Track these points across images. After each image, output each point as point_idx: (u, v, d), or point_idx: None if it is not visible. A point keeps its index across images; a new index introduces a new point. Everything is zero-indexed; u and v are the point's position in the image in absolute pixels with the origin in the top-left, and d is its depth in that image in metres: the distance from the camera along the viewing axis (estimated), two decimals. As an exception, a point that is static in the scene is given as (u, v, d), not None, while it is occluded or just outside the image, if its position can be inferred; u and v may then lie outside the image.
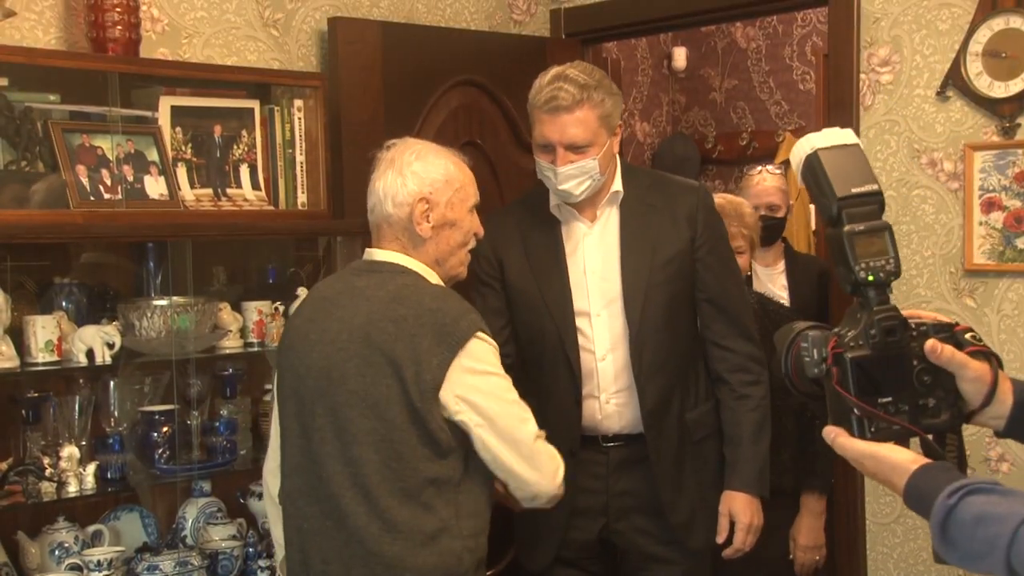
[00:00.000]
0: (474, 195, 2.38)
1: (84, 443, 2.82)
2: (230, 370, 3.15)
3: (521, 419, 2.21)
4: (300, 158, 3.19)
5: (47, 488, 2.68)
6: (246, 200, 3.09)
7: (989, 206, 3.04)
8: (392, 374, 2.15)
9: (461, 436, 2.18)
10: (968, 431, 1.52)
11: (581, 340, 2.68)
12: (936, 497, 1.33)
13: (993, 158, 3.02)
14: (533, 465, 2.21)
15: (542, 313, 2.69)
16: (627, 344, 2.66)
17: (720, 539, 2.71)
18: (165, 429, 2.92)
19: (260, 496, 3.03)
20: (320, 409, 2.21)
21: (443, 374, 2.14)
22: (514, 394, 2.23)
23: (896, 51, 3.20)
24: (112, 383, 2.91)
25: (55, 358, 2.70)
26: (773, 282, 3.74)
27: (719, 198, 3.26)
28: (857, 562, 3.34)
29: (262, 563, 3.01)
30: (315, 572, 2.23)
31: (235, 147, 3.09)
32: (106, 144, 2.82)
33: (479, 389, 2.17)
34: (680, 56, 6.30)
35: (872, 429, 1.42)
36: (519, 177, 3.69)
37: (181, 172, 2.98)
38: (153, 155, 2.90)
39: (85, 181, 2.76)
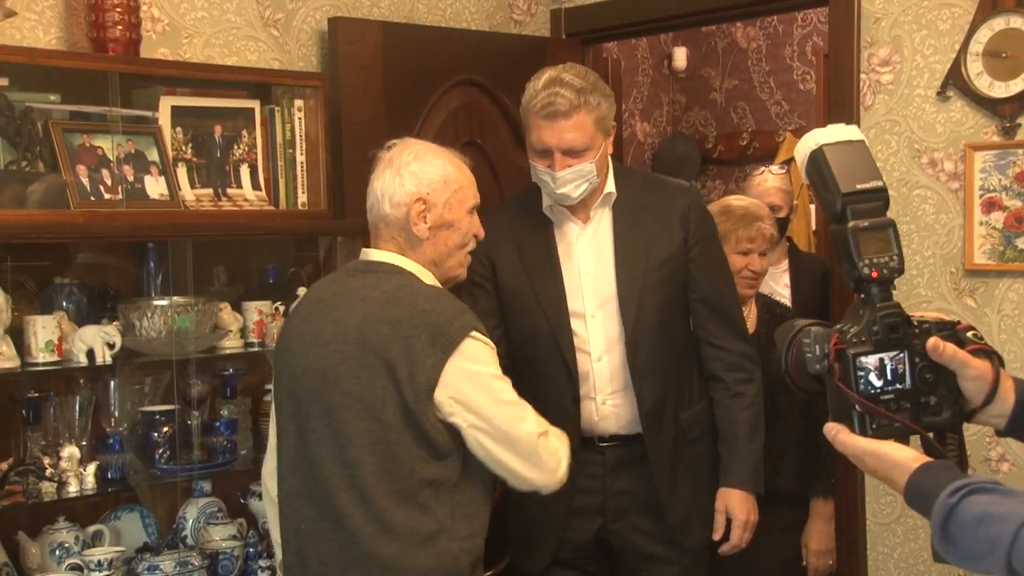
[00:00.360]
0: (473, 196, 2.37)
1: (84, 443, 2.82)
2: (230, 370, 3.15)
3: (518, 418, 2.20)
4: (300, 158, 3.19)
5: (47, 488, 2.68)
6: (246, 200, 3.09)
7: (990, 206, 3.04)
8: (387, 375, 2.14)
9: (458, 437, 2.18)
10: (969, 431, 1.52)
11: (576, 341, 2.68)
12: (937, 496, 1.33)
13: (993, 158, 3.02)
14: (532, 463, 2.20)
15: (536, 314, 2.69)
16: (623, 345, 2.67)
17: (717, 536, 2.73)
18: (165, 429, 2.92)
19: (260, 496, 3.03)
20: (316, 411, 2.21)
21: (437, 375, 2.13)
22: (511, 394, 2.22)
23: (896, 51, 3.19)
24: (112, 383, 2.91)
25: (55, 358, 2.70)
26: (776, 281, 3.74)
27: (736, 199, 3.27)
28: (857, 562, 3.34)
29: (262, 563, 3.01)
30: (312, 573, 2.23)
31: (235, 147, 3.09)
32: (106, 144, 2.82)
33: (473, 390, 2.16)
34: (680, 56, 6.30)
35: (873, 426, 1.42)
36: (519, 177, 3.68)
37: (181, 172, 2.98)
38: (153, 155, 2.90)
39: (85, 181, 2.76)
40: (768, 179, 3.76)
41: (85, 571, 2.69)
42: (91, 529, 2.85)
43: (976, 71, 3.03)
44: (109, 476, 2.84)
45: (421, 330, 2.14)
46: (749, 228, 3.13)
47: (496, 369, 2.22)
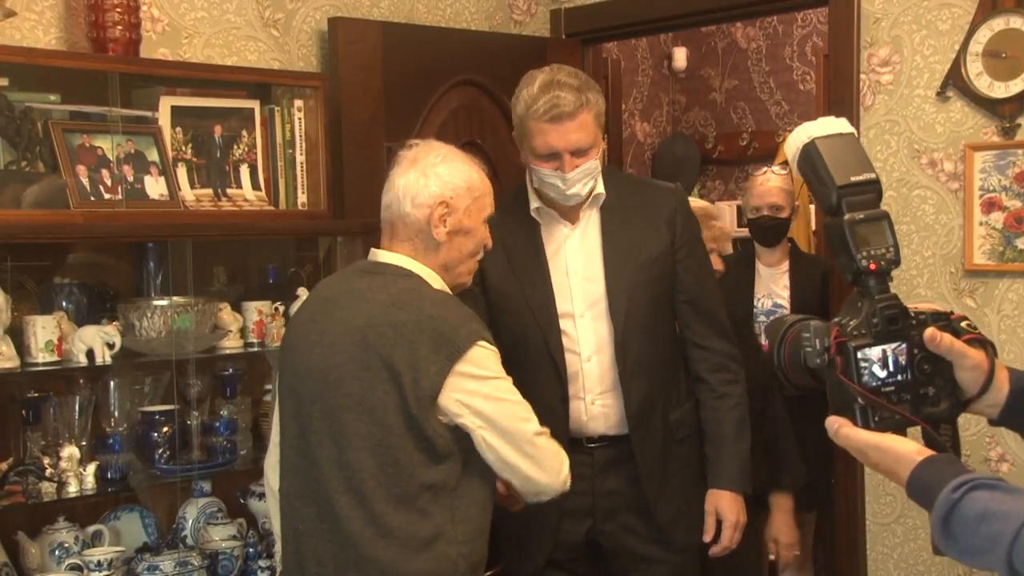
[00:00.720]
0: (490, 206, 2.35)
1: (84, 443, 2.82)
2: (230, 370, 3.15)
3: (522, 418, 2.20)
4: (300, 158, 3.19)
5: (47, 488, 2.68)
6: (246, 200, 3.09)
7: (989, 206, 3.04)
8: (389, 379, 2.13)
9: (460, 439, 2.17)
10: (969, 431, 1.52)
11: (566, 342, 2.68)
12: (940, 490, 1.32)
13: (993, 158, 3.02)
14: (537, 463, 2.20)
15: (526, 315, 2.69)
16: (612, 345, 2.67)
17: (707, 538, 2.73)
18: (165, 429, 2.92)
19: (260, 496, 3.04)
20: (317, 411, 2.20)
21: (441, 382, 2.12)
22: (516, 394, 2.22)
23: (896, 51, 3.20)
24: (112, 383, 2.91)
25: (55, 358, 2.70)
26: (776, 282, 3.74)
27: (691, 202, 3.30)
28: (857, 562, 3.34)
29: (262, 563, 3.01)
30: (310, 573, 2.22)
31: (235, 147, 3.09)
32: (106, 144, 2.82)
33: (480, 393, 2.15)
34: (680, 56, 6.31)
35: (876, 419, 1.42)
36: (519, 177, 3.65)
37: (181, 172, 2.98)
38: (153, 155, 2.90)
39: (85, 181, 2.76)
40: (771, 179, 3.77)
41: (85, 571, 2.69)
42: (91, 529, 2.85)
43: (976, 71, 3.03)
44: (109, 476, 2.84)
45: (426, 336, 2.13)
46: (711, 228, 3.16)
47: (501, 372, 2.22)
